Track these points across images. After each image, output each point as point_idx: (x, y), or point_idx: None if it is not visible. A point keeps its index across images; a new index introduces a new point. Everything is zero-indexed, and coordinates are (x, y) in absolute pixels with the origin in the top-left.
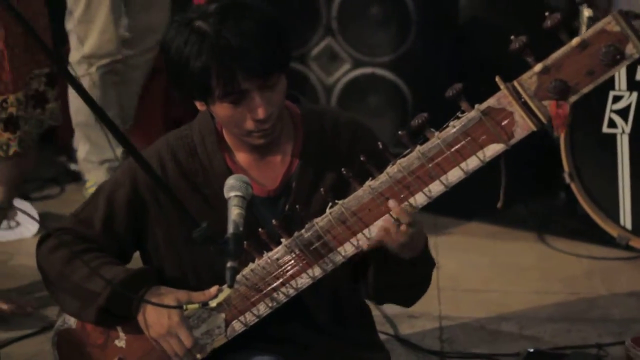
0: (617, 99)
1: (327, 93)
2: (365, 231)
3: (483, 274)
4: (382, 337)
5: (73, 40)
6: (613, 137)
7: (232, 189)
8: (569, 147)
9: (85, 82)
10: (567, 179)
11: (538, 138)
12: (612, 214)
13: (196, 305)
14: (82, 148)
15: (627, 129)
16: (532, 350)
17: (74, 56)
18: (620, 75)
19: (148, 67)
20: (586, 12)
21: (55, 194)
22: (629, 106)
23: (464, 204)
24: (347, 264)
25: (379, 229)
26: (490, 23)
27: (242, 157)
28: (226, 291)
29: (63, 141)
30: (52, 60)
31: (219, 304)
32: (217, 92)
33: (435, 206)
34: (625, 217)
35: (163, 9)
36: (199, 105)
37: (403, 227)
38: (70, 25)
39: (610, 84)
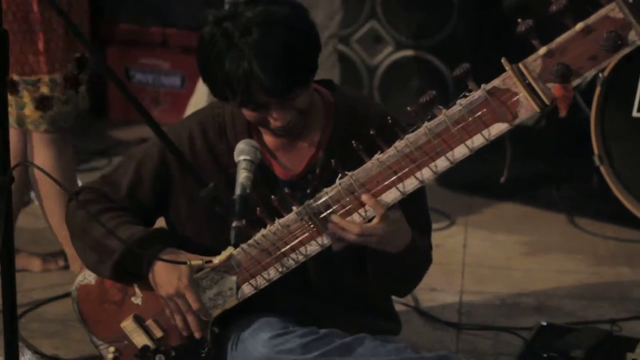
0: None
1: (369, 75)
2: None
3: (508, 252)
4: (401, 308)
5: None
6: None
7: (241, 152)
8: (599, 130)
9: None
10: (597, 162)
11: (569, 122)
12: None
13: (200, 262)
14: None
15: None
16: (545, 323)
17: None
18: None
19: None
20: None
21: (102, 166)
22: None
23: (497, 185)
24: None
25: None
26: (532, 6)
27: (269, 140)
28: (229, 249)
29: (115, 115)
30: (88, 49)
31: (231, 266)
32: (236, 100)
33: (469, 186)
34: None
35: None
36: None
37: (375, 222)
38: None
39: None
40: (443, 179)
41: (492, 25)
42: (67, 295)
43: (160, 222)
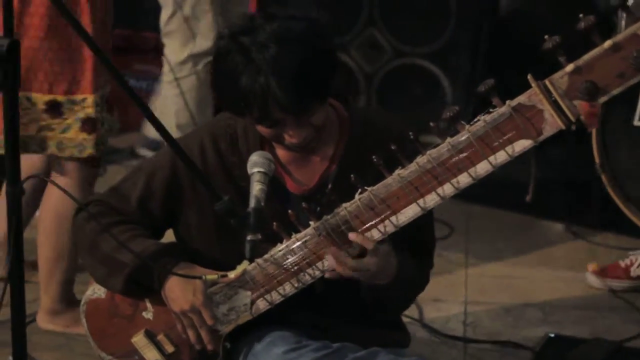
0: None
1: (367, 82)
2: (393, 218)
3: (510, 261)
4: (406, 320)
5: (176, 40)
6: None
7: (255, 165)
8: (600, 139)
9: (190, 82)
10: (598, 171)
11: (570, 131)
12: None
13: (215, 276)
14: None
15: None
16: (553, 335)
17: (178, 56)
18: None
19: None
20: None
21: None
22: None
23: (497, 194)
24: None
25: (332, 261)
26: (530, 15)
27: (282, 153)
28: (244, 263)
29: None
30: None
31: (246, 281)
32: (252, 116)
33: (469, 195)
34: None
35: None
36: None
37: (367, 259)
38: (172, 26)
39: None
40: None
41: (490, 33)
42: None
43: (169, 236)
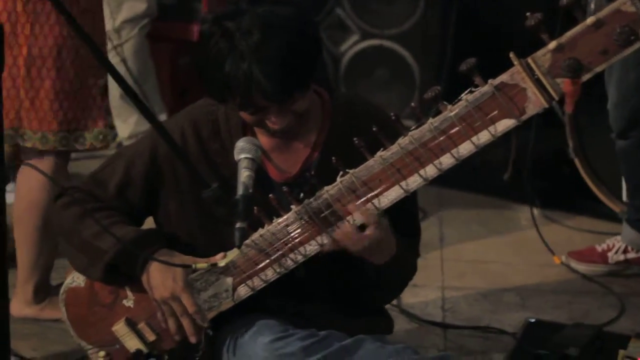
0: None
1: (335, 64)
2: (375, 201)
3: (486, 245)
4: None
5: (106, 9)
6: None
7: (242, 151)
8: (573, 123)
9: (128, 48)
10: (572, 154)
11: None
12: (615, 190)
13: (205, 265)
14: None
15: None
16: (533, 320)
17: (112, 24)
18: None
19: None
20: None
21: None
22: None
23: (469, 176)
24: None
25: (337, 234)
26: None
27: (264, 140)
28: (234, 251)
29: None
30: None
31: (227, 267)
32: (235, 102)
33: (440, 179)
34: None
35: None
36: None
37: (369, 231)
38: None
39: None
40: None
41: (459, 14)
42: None
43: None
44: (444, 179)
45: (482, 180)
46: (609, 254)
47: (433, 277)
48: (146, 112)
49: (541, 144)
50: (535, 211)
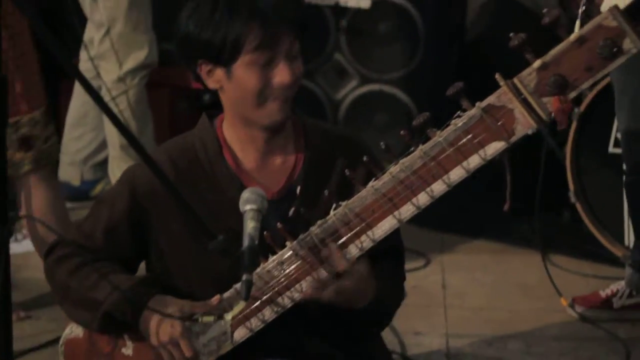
0: None
1: (334, 109)
2: (369, 233)
3: (489, 291)
4: None
5: (111, 59)
6: (619, 156)
7: (247, 202)
8: (574, 166)
9: (130, 98)
10: (573, 198)
11: (544, 157)
12: (617, 234)
13: (211, 318)
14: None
15: None
16: None
17: (115, 75)
18: None
19: None
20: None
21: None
22: None
23: (470, 222)
24: None
25: (309, 284)
26: (497, 41)
27: (244, 158)
28: (241, 304)
29: None
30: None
31: (222, 309)
32: (250, 46)
33: (442, 224)
34: (630, 237)
35: None
36: (213, 82)
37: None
38: (105, 45)
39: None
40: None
41: (458, 60)
42: (41, 346)
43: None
44: (446, 224)
45: (484, 225)
46: (614, 299)
47: (437, 325)
48: (149, 161)
49: (543, 188)
50: (539, 254)
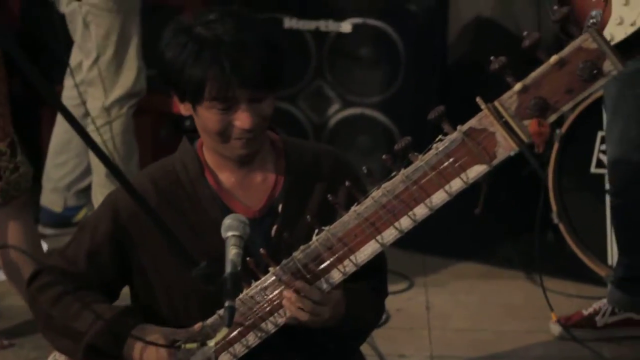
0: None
1: (316, 133)
2: (352, 257)
3: (473, 313)
4: None
5: (99, 86)
6: (601, 177)
7: (229, 228)
8: (557, 187)
9: (116, 127)
10: (556, 219)
11: (526, 178)
12: (600, 254)
13: (194, 345)
14: None
15: None
16: None
17: (102, 103)
18: None
19: None
20: None
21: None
22: None
23: (453, 243)
24: None
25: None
26: (478, 65)
27: (225, 178)
28: (224, 331)
29: None
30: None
31: (205, 334)
32: (209, 95)
33: (425, 246)
34: (613, 257)
35: None
36: (184, 110)
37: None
38: (94, 72)
39: (598, 124)
40: None
41: (439, 83)
42: None
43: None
44: (429, 246)
45: (467, 246)
46: (597, 318)
47: (421, 347)
48: (131, 191)
49: (524, 208)
50: (522, 275)
